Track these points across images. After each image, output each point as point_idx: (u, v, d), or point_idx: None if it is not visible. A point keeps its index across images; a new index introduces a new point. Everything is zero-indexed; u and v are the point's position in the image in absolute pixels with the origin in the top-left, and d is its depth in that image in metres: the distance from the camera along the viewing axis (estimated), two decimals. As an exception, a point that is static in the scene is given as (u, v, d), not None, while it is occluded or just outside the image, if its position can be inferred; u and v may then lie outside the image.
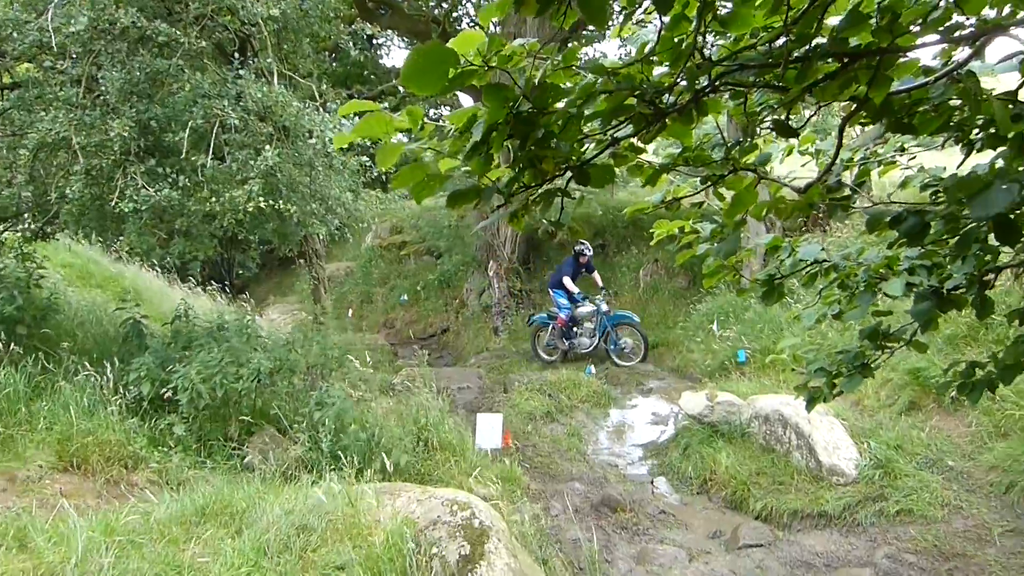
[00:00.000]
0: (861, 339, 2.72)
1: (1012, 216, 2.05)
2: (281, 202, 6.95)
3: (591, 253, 12.96)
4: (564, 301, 12.67)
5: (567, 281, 12.60)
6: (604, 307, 12.43)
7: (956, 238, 2.21)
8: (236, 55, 8.22)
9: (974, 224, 2.16)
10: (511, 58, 1.69)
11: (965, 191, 1.92)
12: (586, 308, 12.52)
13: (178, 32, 6.58)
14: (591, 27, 9.25)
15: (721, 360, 10.42)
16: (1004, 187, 1.85)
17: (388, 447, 6.08)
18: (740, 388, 8.87)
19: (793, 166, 3.20)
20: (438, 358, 16.26)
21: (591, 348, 12.55)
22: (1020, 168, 2.23)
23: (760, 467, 7.51)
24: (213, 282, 17.53)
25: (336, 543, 4.31)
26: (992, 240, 2.40)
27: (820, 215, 12.38)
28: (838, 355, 2.78)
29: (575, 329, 12.71)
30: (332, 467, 5.69)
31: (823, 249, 2.54)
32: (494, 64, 1.64)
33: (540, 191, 1.91)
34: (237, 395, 6.38)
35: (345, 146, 2.39)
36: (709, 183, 2.26)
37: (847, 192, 2.35)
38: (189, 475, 5.77)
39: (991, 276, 2.40)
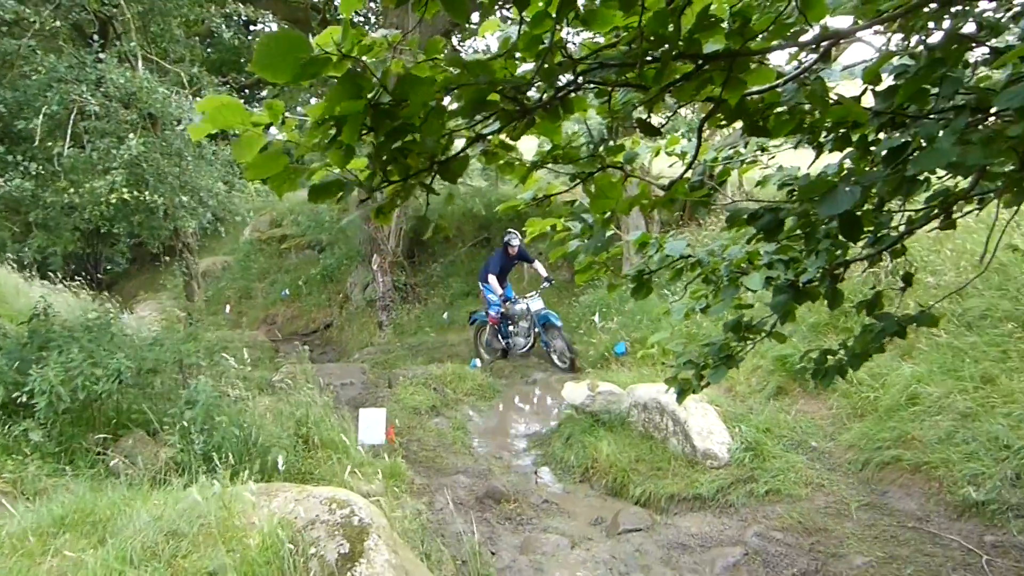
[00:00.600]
0: (725, 332, 2.85)
1: (857, 213, 2.19)
2: (148, 193, 6.61)
3: (520, 242, 11.70)
4: (494, 297, 11.84)
5: (491, 278, 11.71)
6: (535, 305, 11.44)
7: (807, 234, 2.35)
8: (96, 37, 7.74)
9: (824, 221, 2.30)
10: (371, 48, 1.66)
11: (814, 191, 2.04)
12: (518, 305, 11.65)
13: (28, 10, 6.13)
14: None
15: (603, 351, 10.70)
16: (848, 189, 1.98)
17: (266, 446, 5.91)
18: (620, 378, 9.13)
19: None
20: (321, 354, 15.94)
21: (526, 348, 11.85)
22: (866, 168, 2.39)
23: (639, 454, 7.76)
24: (78, 278, 16.50)
25: (208, 548, 4.15)
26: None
27: (697, 214, 12.91)
28: (704, 347, 2.90)
29: (511, 328, 11.96)
30: (205, 469, 5.48)
31: (688, 245, 2.64)
32: (352, 54, 1.60)
33: (402, 186, 1.88)
34: (99, 397, 6.03)
35: (213, 135, 2.29)
36: (578, 180, 2.30)
37: (708, 190, 2.45)
38: (47, 484, 5.41)
39: (841, 269, 2.56)
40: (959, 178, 2.44)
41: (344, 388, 10.35)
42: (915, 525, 5.95)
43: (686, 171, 2.23)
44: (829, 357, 2.89)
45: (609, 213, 2.38)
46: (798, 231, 2.41)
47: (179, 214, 7.58)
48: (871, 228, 2.51)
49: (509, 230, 11.90)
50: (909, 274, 2.80)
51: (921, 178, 2.42)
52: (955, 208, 2.40)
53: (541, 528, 6.55)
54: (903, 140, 2.10)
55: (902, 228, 2.56)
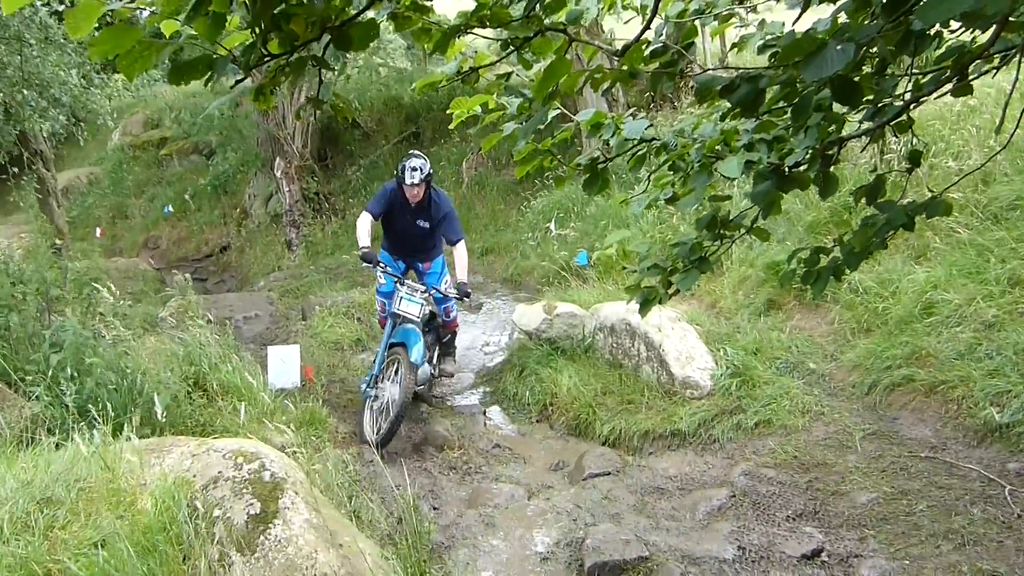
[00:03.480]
0: (698, 229, 2.89)
1: (854, 78, 2.22)
2: (-22, 87, 6.34)
3: (425, 174, 7.46)
4: (380, 275, 8.03)
5: (363, 221, 7.76)
6: (409, 304, 7.49)
7: (794, 106, 2.36)
8: None
9: (813, 89, 2.32)
10: None
11: (799, 52, 2.05)
12: (404, 301, 7.53)
13: None
14: None
15: (560, 265, 10.78)
16: (839, 47, 1.99)
17: (151, 396, 5.89)
18: (582, 297, 9.24)
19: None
20: (218, 283, 15.81)
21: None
22: (864, 22, 2.39)
23: (607, 385, 7.93)
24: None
25: (91, 516, 4.18)
26: (836, 107, 2.59)
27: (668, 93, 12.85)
28: (673, 248, 2.94)
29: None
30: (81, 424, 5.46)
31: (651, 126, 2.64)
32: None
33: (289, 60, 1.83)
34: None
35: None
36: (512, 48, 2.27)
37: (671, 56, 2.44)
38: None
39: (834, 149, 2.60)
40: (976, 32, 2.46)
41: (248, 323, 10.32)
42: (928, 454, 6.23)
43: (643, 31, 2.21)
44: (822, 257, 2.95)
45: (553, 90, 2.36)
46: (782, 103, 2.43)
47: (24, 114, 7.29)
48: (870, 97, 2.54)
49: (412, 152, 7.79)
50: (917, 152, 2.84)
51: (930, 32, 2.44)
52: (971, 69, 2.43)
53: (492, 477, 6.72)
54: (908, -14, 2.10)
55: (907, 96, 2.59)
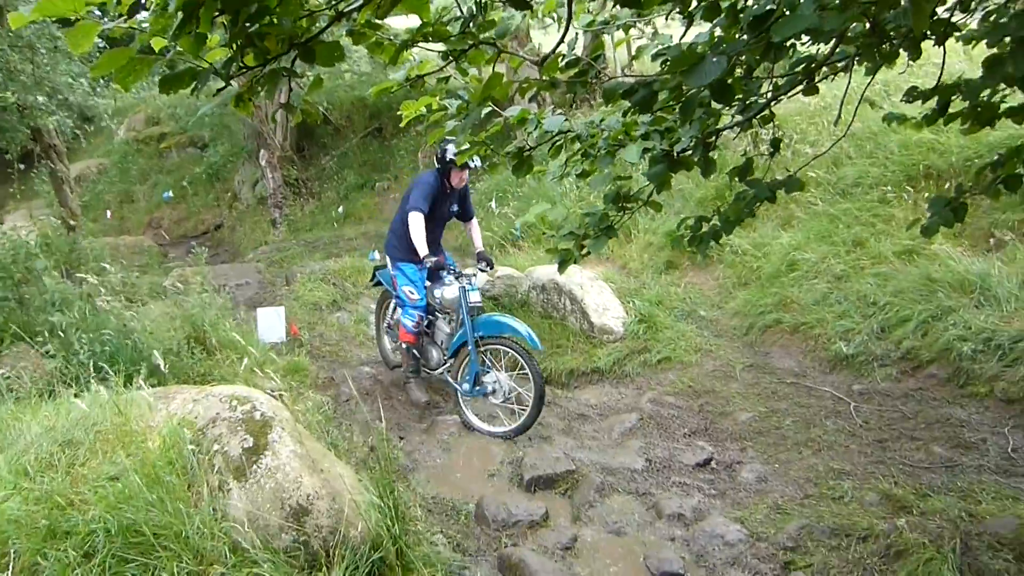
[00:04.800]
0: (606, 203, 2.94)
1: (728, 81, 2.25)
2: (-3, 91, 6.08)
3: (477, 164, 5.62)
4: (413, 270, 6.40)
5: (415, 217, 6.01)
6: (474, 293, 6.19)
7: (681, 105, 2.41)
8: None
9: (696, 92, 2.36)
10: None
11: (683, 63, 2.08)
12: (448, 288, 6.33)
13: None
14: None
15: (500, 236, 10.78)
16: (715, 60, 2.03)
17: (160, 350, 5.78)
18: (519, 261, 9.28)
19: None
20: (213, 256, 15.42)
21: (440, 367, 6.63)
22: (736, 36, 2.43)
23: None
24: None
25: (107, 454, 4.10)
26: (714, 104, 2.64)
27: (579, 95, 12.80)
28: (585, 218, 2.99)
29: (436, 324, 6.66)
30: (95, 378, 5.34)
31: (567, 120, 2.66)
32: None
33: (264, 72, 1.80)
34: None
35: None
36: (450, 59, 2.27)
37: (582, 66, 2.46)
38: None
39: (713, 138, 2.65)
40: (821, 45, 2.53)
41: (240, 289, 10.12)
42: (793, 380, 6.45)
43: (558, 45, 2.22)
44: (704, 224, 3.02)
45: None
46: (672, 103, 2.47)
47: (36, 113, 7.01)
48: (740, 96, 2.60)
49: (446, 140, 5.89)
50: (778, 140, 2.93)
51: (786, 44, 2.50)
52: (817, 73, 2.50)
53: (447, 412, 6.75)
54: (767, 7, 2.14)
55: (769, 95, 2.66)
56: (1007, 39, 2.44)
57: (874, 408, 5.78)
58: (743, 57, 2.28)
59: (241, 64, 1.72)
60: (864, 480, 4.82)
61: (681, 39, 2.46)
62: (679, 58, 2.04)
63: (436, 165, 6.31)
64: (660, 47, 2.60)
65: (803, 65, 2.51)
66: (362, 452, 5.12)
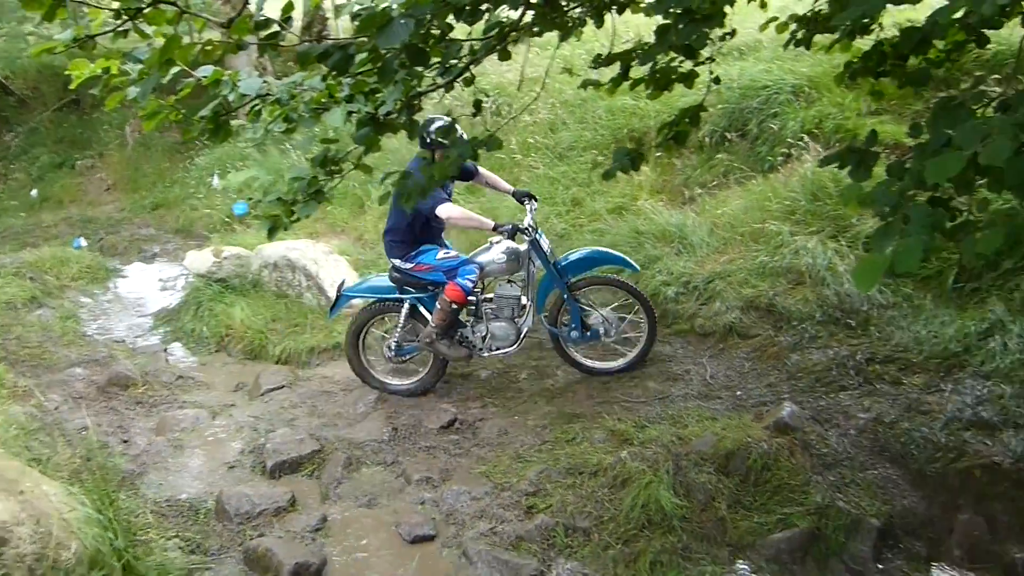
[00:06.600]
0: (313, 167, 2.88)
1: (417, 43, 2.29)
2: None
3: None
4: (444, 255, 5.73)
5: (452, 213, 5.58)
6: (545, 243, 5.70)
7: (379, 67, 2.40)
8: None
9: (391, 53, 2.36)
10: None
11: (373, 25, 2.08)
12: (497, 253, 5.72)
13: None
14: None
15: (225, 214, 10.22)
16: (403, 22, 2.05)
17: None
18: (247, 240, 8.85)
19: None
20: None
21: (516, 342, 5.87)
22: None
23: (275, 314, 7.72)
24: None
25: None
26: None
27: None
28: (293, 182, 2.91)
29: (489, 307, 5.93)
30: None
31: (265, 82, 2.55)
32: None
33: None
34: None
35: None
36: (126, 17, 2.06)
37: (275, 28, 2.36)
38: None
39: (417, 100, 2.69)
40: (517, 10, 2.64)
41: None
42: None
43: (244, 5, 2.11)
44: (410, 181, 3.05)
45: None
46: (370, 66, 2.45)
47: None
48: (439, 59, 2.65)
49: (433, 116, 5.54)
50: (479, 101, 3.03)
51: (481, 9, 2.58)
52: (509, 39, 2.62)
53: (177, 405, 6.31)
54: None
55: (466, 58, 2.74)
56: (672, 10, 2.70)
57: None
58: (436, 21, 2.32)
59: None
60: (592, 420, 5.22)
61: (380, -2, 2.44)
62: (367, 19, 2.03)
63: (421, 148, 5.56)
64: (358, 7, 2.56)
65: (495, 31, 2.61)
66: (74, 464, 4.62)
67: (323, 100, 2.59)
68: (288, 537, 4.44)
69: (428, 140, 5.34)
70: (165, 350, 7.62)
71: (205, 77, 2.39)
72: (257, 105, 2.55)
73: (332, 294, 7.45)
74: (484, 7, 2.53)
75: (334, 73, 2.45)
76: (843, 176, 4.00)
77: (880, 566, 4.05)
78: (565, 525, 4.27)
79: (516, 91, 9.00)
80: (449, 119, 4.69)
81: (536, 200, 5.99)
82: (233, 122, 2.70)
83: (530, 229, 5.54)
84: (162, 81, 2.24)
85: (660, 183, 7.86)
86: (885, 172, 2.22)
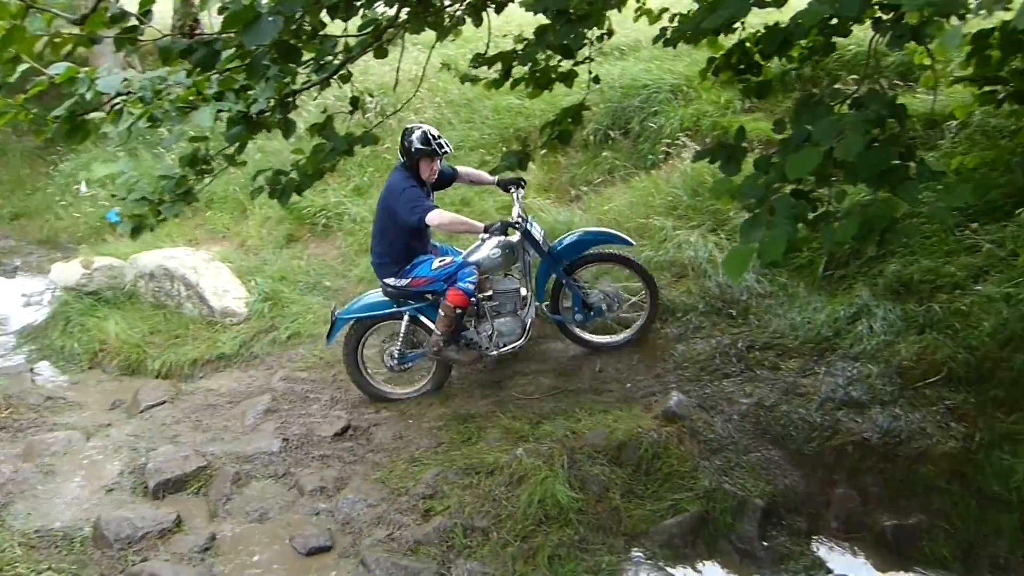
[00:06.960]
0: (182, 165, 2.75)
1: (290, 41, 2.21)
2: None
3: (448, 150, 5.35)
4: (440, 263, 5.53)
5: (440, 219, 5.25)
6: (535, 228, 5.64)
7: (247, 64, 2.31)
8: None
9: (260, 50, 2.27)
10: None
11: (239, 22, 2.00)
12: (490, 249, 5.52)
13: None
14: None
15: (94, 221, 9.66)
16: (271, 19, 1.99)
17: None
18: (120, 249, 8.37)
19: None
20: None
21: (523, 335, 5.72)
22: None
23: (154, 326, 7.36)
24: None
25: None
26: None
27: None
28: (160, 182, 2.77)
29: (491, 305, 5.76)
30: None
31: (126, 80, 2.40)
32: None
33: None
34: None
35: None
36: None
37: (132, 22, 2.23)
38: None
39: (291, 98, 2.60)
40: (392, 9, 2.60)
41: None
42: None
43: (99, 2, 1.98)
44: (283, 178, 2.96)
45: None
46: (237, 61, 2.36)
47: None
48: (313, 56, 2.58)
49: (412, 126, 5.48)
50: (356, 98, 2.97)
51: (357, 4, 2.53)
52: (385, 36, 2.58)
53: (47, 428, 5.91)
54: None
55: (342, 56, 2.68)
56: (547, 10, 2.72)
57: (492, 352, 6.26)
58: (307, 17, 2.25)
59: None
60: (487, 419, 5.22)
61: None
62: (232, 16, 1.95)
63: (401, 158, 5.40)
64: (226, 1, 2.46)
65: (371, 28, 2.57)
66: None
67: (191, 98, 2.47)
68: (175, 559, 4.26)
69: (411, 149, 5.25)
70: (31, 370, 7.13)
71: (58, 75, 2.22)
72: (118, 104, 2.41)
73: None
74: (359, 3, 2.47)
75: (199, 70, 2.34)
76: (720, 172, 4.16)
77: (765, 544, 4.25)
78: (463, 526, 4.26)
79: (396, 91, 8.93)
80: (425, 127, 5.28)
81: (523, 186, 5.92)
82: (106, 125, 2.54)
83: (520, 221, 5.44)
84: (9, 79, 2.07)
85: (547, 181, 7.97)
86: (753, 166, 2.31)
